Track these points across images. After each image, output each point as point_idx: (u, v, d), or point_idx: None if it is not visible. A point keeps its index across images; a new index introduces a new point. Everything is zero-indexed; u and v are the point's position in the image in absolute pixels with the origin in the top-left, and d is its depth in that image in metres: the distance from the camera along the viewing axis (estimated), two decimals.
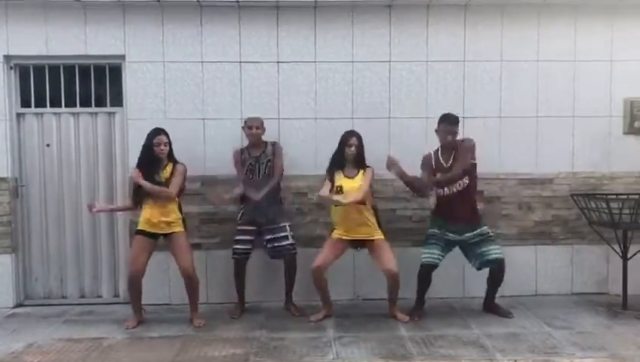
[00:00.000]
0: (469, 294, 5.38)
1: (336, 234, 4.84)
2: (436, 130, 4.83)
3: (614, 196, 5.09)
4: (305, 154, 5.31)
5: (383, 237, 4.81)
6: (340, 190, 4.73)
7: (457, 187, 4.71)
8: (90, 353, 4.16)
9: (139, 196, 4.71)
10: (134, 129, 5.23)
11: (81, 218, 5.44)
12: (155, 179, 4.65)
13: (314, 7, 5.26)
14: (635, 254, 5.02)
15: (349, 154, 4.78)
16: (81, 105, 5.39)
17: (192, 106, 5.28)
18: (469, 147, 4.70)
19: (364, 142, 4.83)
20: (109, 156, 5.42)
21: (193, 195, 5.22)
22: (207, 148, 5.28)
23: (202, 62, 5.27)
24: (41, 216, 5.44)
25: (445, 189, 4.75)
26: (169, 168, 4.73)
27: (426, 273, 4.84)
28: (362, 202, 4.69)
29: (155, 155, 4.67)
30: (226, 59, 5.28)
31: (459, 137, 4.79)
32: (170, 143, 4.75)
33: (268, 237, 4.92)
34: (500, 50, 5.39)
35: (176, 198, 4.75)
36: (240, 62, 5.29)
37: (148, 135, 4.68)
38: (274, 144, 5.04)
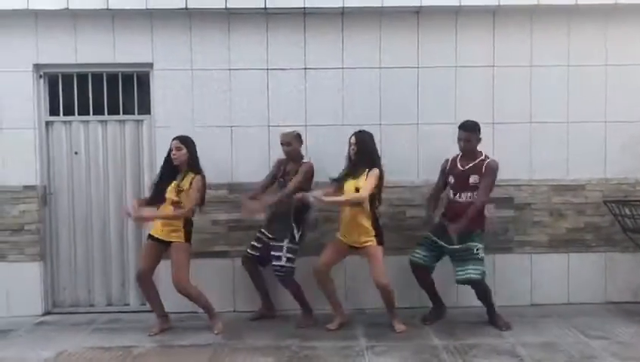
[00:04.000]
0: (499, 303, 5.24)
1: (338, 235, 4.80)
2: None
3: None
4: (331, 160, 5.24)
5: (373, 243, 4.62)
6: (341, 190, 4.70)
7: (469, 198, 4.66)
8: None
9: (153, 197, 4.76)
10: (162, 136, 5.22)
11: (109, 226, 5.44)
12: (162, 186, 4.68)
13: (341, 14, 5.23)
14: None
15: (352, 153, 4.71)
16: (109, 113, 5.41)
17: (219, 114, 5.27)
18: (495, 168, 4.65)
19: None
20: (136, 164, 5.43)
21: (220, 203, 5.23)
22: (234, 156, 5.26)
23: (230, 69, 5.26)
24: (69, 224, 5.44)
25: (462, 196, 4.68)
26: (188, 178, 4.68)
27: (413, 270, 4.85)
28: (358, 205, 4.58)
29: (170, 161, 4.71)
30: (253, 67, 5.27)
31: (488, 153, 4.77)
32: (191, 152, 4.71)
33: (272, 253, 4.86)
34: (529, 55, 5.32)
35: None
36: (267, 69, 5.27)
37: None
38: (302, 165, 4.91)
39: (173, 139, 4.72)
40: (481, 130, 4.72)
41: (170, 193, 4.64)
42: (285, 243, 4.80)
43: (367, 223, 4.63)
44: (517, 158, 5.27)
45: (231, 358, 4.17)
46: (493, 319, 4.82)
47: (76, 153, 5.42)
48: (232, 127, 5.26)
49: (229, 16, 5.22)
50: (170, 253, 4.69)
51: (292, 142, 4.89)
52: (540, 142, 5.33)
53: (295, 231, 4.83)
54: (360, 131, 4.77)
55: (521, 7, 5.23)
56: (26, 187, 5.26)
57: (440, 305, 4.98)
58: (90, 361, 4.16)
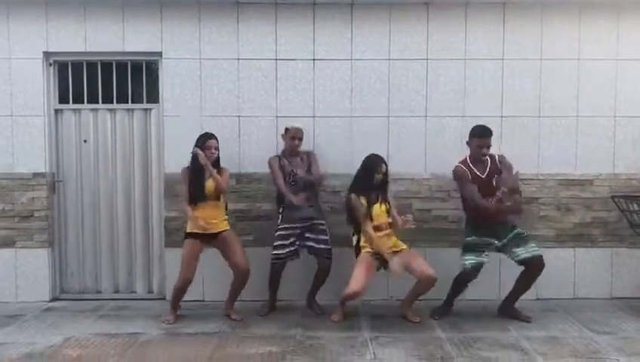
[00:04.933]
0: (504, 296, 5.25)
1: (368, 251, 4.73)
2: (468, 143, 4.80)
3: None
4: (340, 152, 5.27)
5: (407, 247, 4.81)
6: (371, 217, 4.69)
7: (496, 198, 4.64)
8: (128, 348, 4.18)
9: (193, 195, 4.69)
10: (170, 125, 5.26)
11: (116, 213, 5.48)
12: (201, 182, 4.65)
13: (350, 5, 5.22)
14: None
15: (378, 181, 4.73)
16: (117, 102, 5.43)
17: (227, 103, 5.28)
18: (510, 164, 4.70)
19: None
20: (144, 152, 5.45)
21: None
22: (242, 146, 5.28)
23: (238, 59, 5.27)
24: (77, 211, 5.49)
25: (489, 201, 4.63)
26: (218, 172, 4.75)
27: (468, 278, 4.77)
28: (391, 226, 4.77)
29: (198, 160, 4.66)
30: (261, 57, 5.27)
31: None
32: (218, 150, 4.76)
33: (308, 235, 4.89)
34: (539, 48, 5.29)
35: (224, 197, 4.84)
36: (276, 59, 5.27)
37: (198, 139, 4.72)
38: (308, 154, 5.01)
39: (211, 138, 4.70)
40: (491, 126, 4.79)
41: (212, 190, 4.68)
42: (325, 223, 4.94)
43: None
44: (525, 152, 5.23)
45: (237, 347, 4.20)
46: (514, 310, 4.84)
47: (85, 141, 5.45)
48: (240, 116, 5.28)
49: (238, 6, 5.22)
50: (226, 240, 4.74)
51: (302, 138, 4.95)
52: (549, 137, 5.31)
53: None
54: (382, 157, 4.78)
55: (531, 0, 5.19)
56: (36, 174, 5.31)
57: (452, 303, 4.96)
58: (98, 347, 4.19)
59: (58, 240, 5.48)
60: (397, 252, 4.72)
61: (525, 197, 5.29)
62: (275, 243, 4.87)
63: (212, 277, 5.22)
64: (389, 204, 4.81)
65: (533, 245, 4.72)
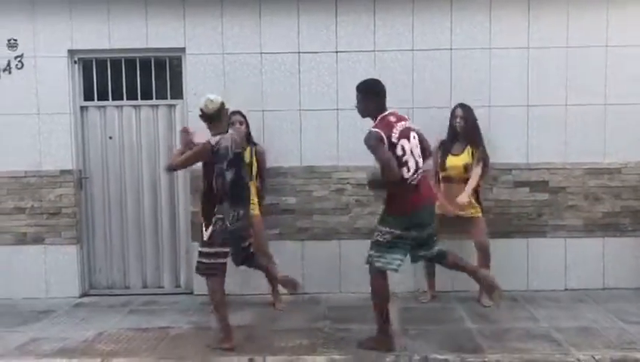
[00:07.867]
0: (532, 287, 5.25)
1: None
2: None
3: None
4: (364, 145, 5.23)
5: (480, 215, 4.81)
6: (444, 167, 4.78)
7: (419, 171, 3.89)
8: (159, 342, 4.23)
9: None
10: (194, 121, 5.24)
11: (143, 209, 5.53)
12: None
13: None
14: None
15: (457, 126, 4.77)
16: (142, 98, 5.47)
17: (251, 98, 5.28)
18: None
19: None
20: (169, 148, 5.47)
21: None
22: (267, 140, 5.27)
23: (261, 53, 5.27)
24: (104, 207, 5.54)
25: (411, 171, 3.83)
26: (248, 151, 4.76)
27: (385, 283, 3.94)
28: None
29: None
30: (284, 50, 5.27)
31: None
32: (248, 126, 4.87)
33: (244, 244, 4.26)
34: (565, 37, 5.21)
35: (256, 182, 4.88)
36: (299, 52, 5.26)
37: None
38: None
39: (234, 114, 4.78)
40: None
41: None
42: None
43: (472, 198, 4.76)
44: (552, 141, 5.19)
45: (267, 339, 4.22)
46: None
47: (110, 138, 5.50)
48: (264, 111, 5.28)
49: (260, 1, 5.21)
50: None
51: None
52: (576, 125, 5.24)
53: None
54: (464, 105, 4.83)
55: None
56: (63, 171, 5.36)
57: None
58: (130, 341, 4.24)
59: (86, 236, 5.54)
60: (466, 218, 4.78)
61: (552, 187, 5.25)
62: (212, 251, 4.06)
63: (242, 271, 5.23)
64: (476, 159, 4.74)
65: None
